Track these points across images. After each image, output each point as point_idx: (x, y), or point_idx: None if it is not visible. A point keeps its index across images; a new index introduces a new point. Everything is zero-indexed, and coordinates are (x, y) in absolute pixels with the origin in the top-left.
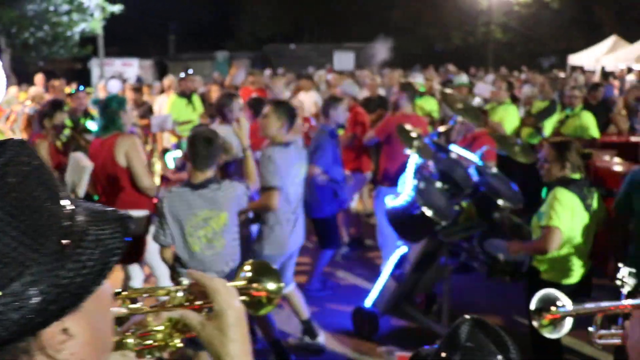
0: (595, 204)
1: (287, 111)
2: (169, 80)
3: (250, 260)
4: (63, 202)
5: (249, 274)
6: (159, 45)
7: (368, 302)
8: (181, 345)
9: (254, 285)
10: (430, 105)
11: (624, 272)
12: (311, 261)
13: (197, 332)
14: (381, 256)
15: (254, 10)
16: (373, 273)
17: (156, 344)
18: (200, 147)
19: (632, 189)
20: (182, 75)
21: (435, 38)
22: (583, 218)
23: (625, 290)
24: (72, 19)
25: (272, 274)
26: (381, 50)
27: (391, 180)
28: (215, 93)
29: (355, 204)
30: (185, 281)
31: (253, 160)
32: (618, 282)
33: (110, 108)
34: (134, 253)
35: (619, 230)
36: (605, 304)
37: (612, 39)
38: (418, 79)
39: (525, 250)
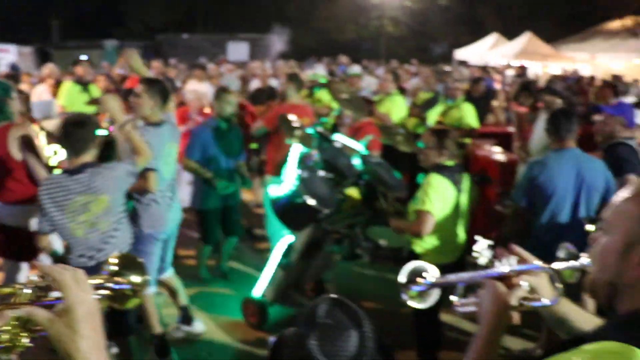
0: (467, 187)
1: (160, 90)
2: (48, 68)
3: (116, 254)
4: None
5: (113, 268)
6: (41, 31)
7: (257, 292)
8: (31, 345)
9: (116, 278)
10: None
11: (482, 245)
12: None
13: (46, 329)
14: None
15: None
16: (263, 263)
17: (2, 345)
18: (73, 131)
19: (529, 178)
20: (82, 58)
21: (330, 30)
22: (455, 202)
23: (481, 262)
24: None
25: (137, 266)
26: (276, 41)
27: (279, 170)
28: (102, 84)
29: (244, 195)
30: (34, 277)
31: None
32: (475, 255)
33: None
34: (22, 249)
35: (517, 219)
36: (464, 275)
37: (494, 36)
38: (319, 71)
39: (404, 229)
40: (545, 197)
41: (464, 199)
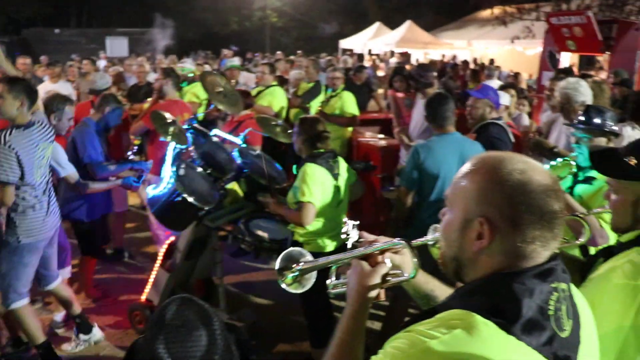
0: (343, 172)
1: (24, 89)
2: None
3: None
4: None
5: None
6: None
7: (144, 296)
8: None
9: None
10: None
11: (349, 226)
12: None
13: None
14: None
15: None
16: (147, 268)
17: None
18: None
19: (416, 162)
20: None
21: (213, 23)
22: (333, 188)
23: (349, 243)
24: None
25: None
26: (157, 36)
27: (161, 169)
28: None
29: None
30: None
31: None
32: (343, 237)
33: None
34: None
35: (404, 203)
36: (331, 257)
37: (376, 25)
38: (187, 65)
39: (284, 214)
40: (431, 181)
41: (342, 185)
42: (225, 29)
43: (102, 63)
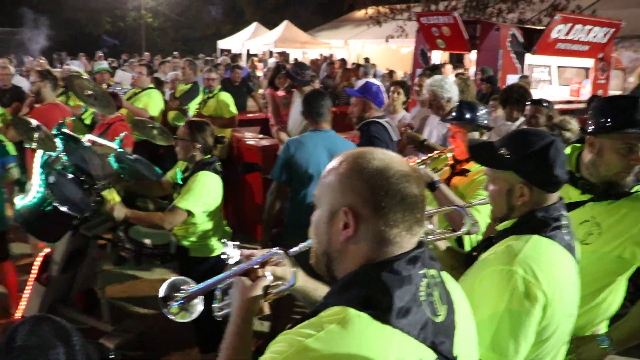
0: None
1: None
2: None
3: None
4: None
5: None
6: None
7: (19, 313)
8: None
9: None
10: None
11: (229, 247)
12: None
13: None
14: None
15: None
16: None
17: None
18: None
19: (286, 156)
20: None
21: (85, 23)
22: (219, 193)
23: (230, 262)
24: None
25: None
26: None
27: None
28: None
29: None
30: None
31: None
32: (224, 257)
33: None
34: None
35: (277, 198)
36: (214, 279)
37: (254, 26)
38: (74, 67)
39: (138, 220)
40: (300, 176)
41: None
42: (97, 30)
43: None
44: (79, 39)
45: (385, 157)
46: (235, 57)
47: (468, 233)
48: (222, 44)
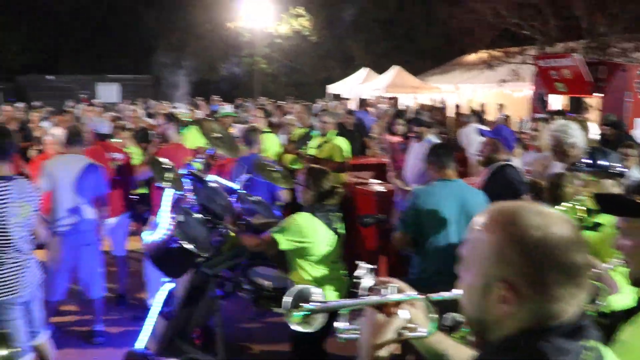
0: (340, 226)
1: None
2: None
3: None
4: None
5: None
6: None
7: (139, 344)
8: None
9: None
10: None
11: (363, 270)
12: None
13: None
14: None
15: (1, 40)
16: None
17: None
18: None
19: (415, 206)
20: None
21: (202, 69)
22: (331, 242)
23: (362, 287)
24: None
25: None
26: (148, 81)
27: None
28: None
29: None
30: None
31: None
32: (356, 280)
33: None
34: None
35: (405, 249)
36: (345, 301)
37: (365, 71)
38: (182, 110)
39: (253, 243)
40: (430, 227)
41: (338, 238)
42: (213, 75)
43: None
44: (197, 84)
45: (542, 220)
46: (347, 101)
47: None
48: (332, 88)
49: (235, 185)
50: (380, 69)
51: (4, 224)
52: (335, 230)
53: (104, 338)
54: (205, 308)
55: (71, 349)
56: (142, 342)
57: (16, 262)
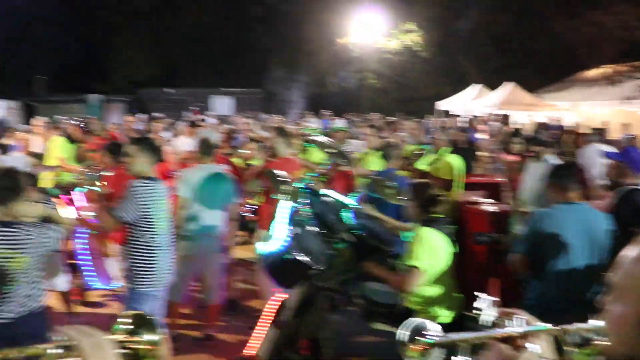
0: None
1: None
2: (40, 122)
3: (127, 312)
4: None
5: (128, 327)
6: (25, 86)
7: (249, 352)
8: None
9: (134, 337)
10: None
11: (484, 302)
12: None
13: None
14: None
15: (126, 53)
16: (251, 322)
17: None
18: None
19: (536, 229)
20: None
21: (312, 84)
22: (448, 255)
23: (483, 319)
24: None
25: (149, 324)
26: (260, 95)
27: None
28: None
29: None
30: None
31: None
32: (476, 312)
33: None
34: None
35: (521, 272)
36: (467, 334)
37: (477, 87)
38: (311, 125)
39: (386, 279)
40: (548, 249)
41: (453, 252)
42: (322, 90)
43: (210, 120)
44: (308, 99)
45: None
46: (456, 118)
47: None
48: (441, 104)
49: (352, 201)
50: (492, 85)
51: (154, 220)
52: (453, 243)
53: (214, 343)
54: (315, 320)
55: (181, 355)
56: (251, 349)
57: (168, 258)
